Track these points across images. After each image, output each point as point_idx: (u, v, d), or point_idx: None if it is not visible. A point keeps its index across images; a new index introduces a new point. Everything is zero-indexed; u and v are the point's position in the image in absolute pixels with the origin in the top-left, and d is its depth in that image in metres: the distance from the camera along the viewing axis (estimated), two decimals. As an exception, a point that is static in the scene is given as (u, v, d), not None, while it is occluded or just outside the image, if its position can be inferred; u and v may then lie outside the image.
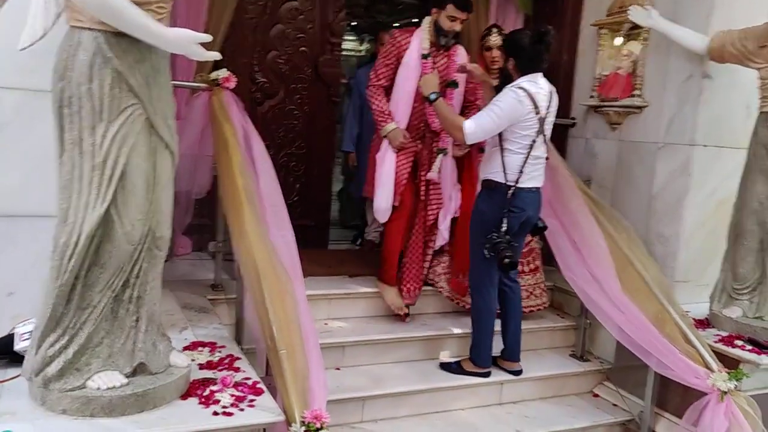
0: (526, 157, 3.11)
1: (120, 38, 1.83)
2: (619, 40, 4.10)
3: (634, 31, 3.97)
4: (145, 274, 2.03)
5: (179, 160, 2.15)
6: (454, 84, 3.60)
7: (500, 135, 3.10)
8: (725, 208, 3.59)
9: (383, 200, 3.54)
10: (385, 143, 3.56)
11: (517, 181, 3.12)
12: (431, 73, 3.47)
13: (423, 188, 3.67)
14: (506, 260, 3.02)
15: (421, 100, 3.47)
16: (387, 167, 3.55)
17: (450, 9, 3.43)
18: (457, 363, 3.47)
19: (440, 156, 3.64)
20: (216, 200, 3.38)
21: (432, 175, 3.63)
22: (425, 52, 3.50)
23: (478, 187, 3.35)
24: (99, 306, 1.93)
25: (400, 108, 3.54)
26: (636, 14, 3.76)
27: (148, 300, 2.06)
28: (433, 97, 3.21)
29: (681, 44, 3.59)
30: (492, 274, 3.30)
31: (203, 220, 4.03)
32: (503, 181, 3.13)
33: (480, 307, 3.35)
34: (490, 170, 3.19)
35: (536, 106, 3.05)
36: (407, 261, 3.68)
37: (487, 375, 3.42)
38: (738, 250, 3.43)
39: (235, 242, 2.70)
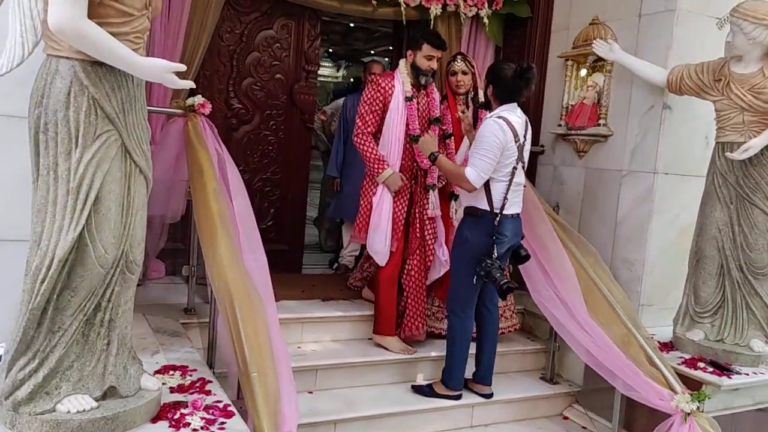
0: (509, 185, 3.21)
1: (96, 67, 1.88)
2: (584, 72, 4.26)
3: (598, 63, 4.13)
4: (118, 298, 2.05)
5: (153, 185, 2.18)
6: (438, 120, 3.72)
7: None
8: (687, 234, 3.71)
9: (382, 244, 3.56)
10: (380, 188, 3.59)
11: (502, 209, 3.20)
12: (416, 114, 3.60)
13: (419, 226, 3.71)
14: (505, 286, 3.10)
15: (409, 140, 3.57)
16: (385, 211, 3.57)
17: (426, 49, 3.54)
18: (429, 386, 3.51)
19: (432, 192, 3.71)
20: (189, 224, 3.41)
21: (434, 212, 3.69)
22: (408, 94, 3.59)
23: (459, 215, 3.44)
24: (70, 329, 1.94)
25: (392, 152, 3.59)
26: (599, 47, 3.91)
27: (119, 323, 2.07)
28: (434, 157, 3.31)
29: (642, 77, 3.74)
30: (473, 298, 3.37)
31: (177, 245, 4.05)
32: (488, 209, 3.20)
33: (457, 330, 3.39)
34: (475, 198, 3.25)
35: (516, 134, 3.17)
36: (412, 302, 3.69)
37: (458, 398, 3.46)
38: (699, 274, 3.55)
39: (209, 266, 2.73)
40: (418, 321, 3.69)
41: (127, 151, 1.98)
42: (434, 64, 3.60)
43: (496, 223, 3.18)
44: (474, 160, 3.16)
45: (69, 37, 1.79)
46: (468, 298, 3.35)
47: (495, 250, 3.16)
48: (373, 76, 3.76)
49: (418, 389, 3.51)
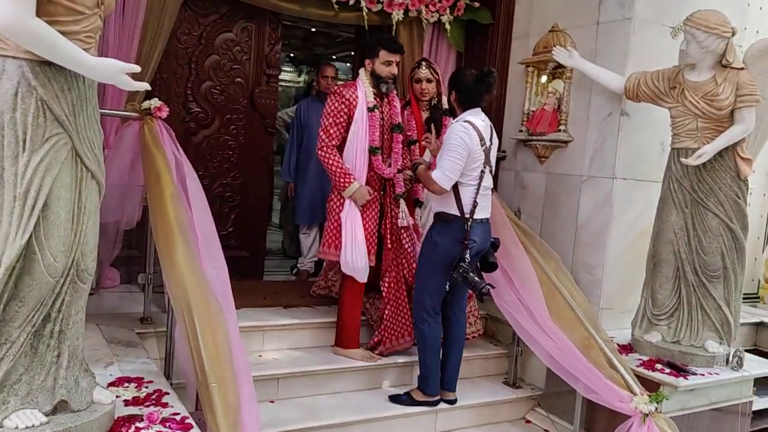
0: (477, 189, 3.21)
1: (45, 67, 1.80)
2: (544, 78, 4.31)
3: (558, 70, 4.19)
4: (68, 308, 1.96)
5: (108, 191, 2.11)
6: (399, 128, 3.68)
7: None
8: (644, 238, 3.78)
9: (359, 260, 3.48)
10: (347, 202, 3.52)
11: (472, 213, 3.20)
12: (378, 125, 3.56)
13: (391, 237, 3.65)
14: (486, 289, 3.11)
15: (371, 152, 3.54)
16: (357, 226, 3.51)
17: (383, 55, 3.52)
18: (407, 394, 3.47)
19: (401, 201, 3.66)
20: (145, 231, 3.32)
21: (404, 222, 3.64)
22: (371, 105, 3.54)
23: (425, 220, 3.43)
24: (18, 341, 1.85)
25: (357, 164, 3.52)
26: (559, 54, 3.97)
27: (70, 335, 1.99)
28: (416, 166, 3.40)
29: (600, 83, 3.81)
30: (439, 303, 3.36)
31: (132, 252, 3.94)
32: (459, 214, 3.20)
33: (428, 336, 3.36)
34: (445, 203, 3.25)
35: (482, 138, 3.18)
36: (390, 315, 3.63)
37: (437, 403, 3.44)
38: (656, 278, 3.62)
39: (166, 273, 2.65)
40: (401, 331, 3.65)
41: (77, 155, 1.90)
42: (394, 69, 3.57)
43: (467, 228, 3.18)
44: (441, 162, 3.17)
45: (17, 36, 1.71)
46: (435, 304, 3.35)
47: (468, 255, 3.16)
48: (335, 88, 3.70)
49: (395, 399, 3.47)
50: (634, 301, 3.84)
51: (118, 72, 1.88)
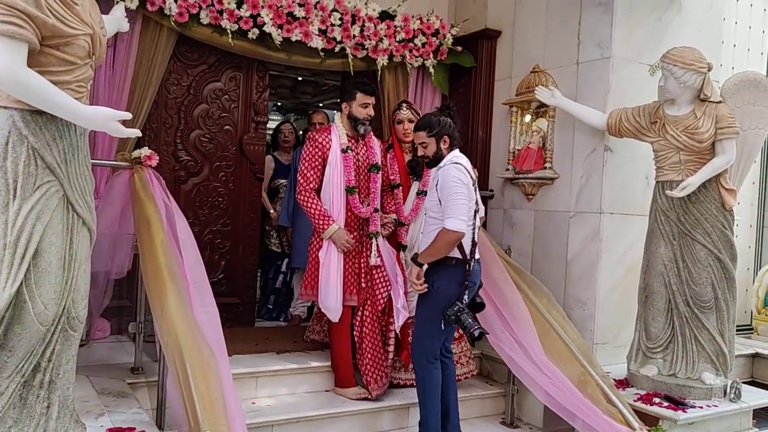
0: (474, 230, 3.16)
1: (36, 116, 1.82)
2: (528, 118, 4.39)
3: (541, 109, 4.28)
4: (59, 357, 1.94)
5: (98, 240, 2.11)
6: (377, 167, 3.72)
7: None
8: (634, 271, 3.81)
9: (335, 300, 3.51)
10: (326, 242, 3.55)
11: (472, 254, 3.13)
12: (352, 165, 3.59)
13: (364, 276, 3.65)
14: (477, 332, 3.01)
15: (347, 192, 3.57)
16: (333, 266, 3.53)
17: (360, 97, 3.61)
18: None
19: (374, 240, 3.67)
20: (136, 280, 3.30)
21: (374, 261, 3.64)
22: (344, 146, 3.61)
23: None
24: (6, 393, 1.82)
25: (334, 204, 3.58)
26: (541, 94, 4.06)
27: (60, 384, 1.96)
28: (415, 257, 3.23)
29: (583, 121, 3.89)
30: (438, 347, 3.27)
31: (122, 302, 3.91)
32: (461, 257, 3.11)
33: (427, 381, 3.24)
34: None
35: (472, 178, 3.18)
36: (365, 351, 3.60)
37: None
38: (648, 310, 3.63)
39: (157, 321, 2.63)
40: (375, 373, 3.60)
41: (69, 203, 1.91)
42: (371, 111, 3.65)
43: (468, 269, 3.11)
44: (450, 209, 3.04)
45: (7, 87, 1.74)
46: (435, 348, 3.25)
47: (467, 296, 3.11)
48: (309, 133, 3.77)
49: None
50: (627, 335, 3.83)
51: (110, 119, 1.91)
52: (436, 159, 3.24)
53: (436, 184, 3.14)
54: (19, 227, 1.78)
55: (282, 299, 5.05)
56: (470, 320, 3.05)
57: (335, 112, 9.16)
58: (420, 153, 3.31)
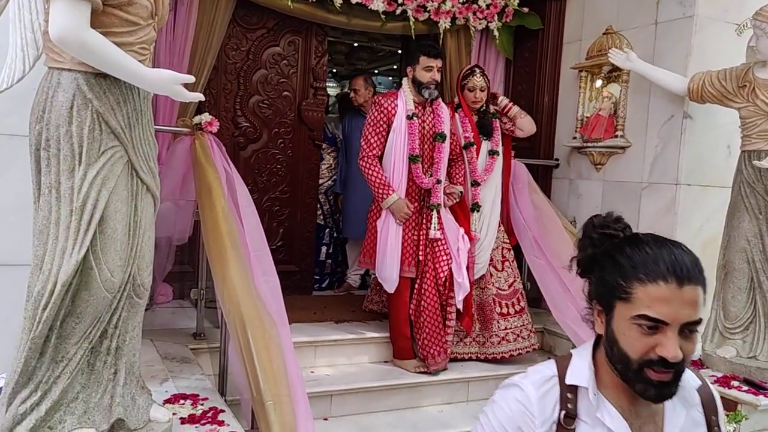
0: None
1: (100, 79, 1.78)
2: (599, 83, 4.16)
3: (613, 74, 4.04)
4: (125, 324, 1.93)
5: (160, 206, 2.08)
6: (442, 136, 3.56)
7: None
8: (712, 246, 3.58)
9: (391, 270, 3.44)
10: (384, 212, 3.48)
11: None
12: (417, 132, 3.46)
13: (425, 248, 3.53)
14: None
15: (411, 160, 3.45)
16: (392, 236, 3.45)
17: (423, 60, 3.45)
18: None
19: (434, 212, 3.54)
20: (197, 246, 3.30)
21: (434, 233, 3.51)
22: (410, 113, 3.48)
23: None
24: (75, 359, 1.82)
25: (395, 173, 3.46)
26: (615, 57, 3.81)
27: (127, 351, 1.95)
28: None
29: (661, 85, 3.64)
30: None
31: (184, 267, 3.94)
32: None
33: None
34: None
35: None
36: (425, 325, 3.51)
37: None
38: (728, 288, 3.41)
39: (219, 289, 2.61)
40: (433, 348, 3.51)
41: (133, 169, 1.87)
42: (435, 75, 3.48)
43: None
44: None
45: (71, 48, 1.69)
46: None
47: None
48: (375, 97, 3.66)
49: None
50: (702, 313, 3.62)
51: (173, 82, 1.85)
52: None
53: None
54: (84, 193, 1.75)
55: (328, 271, 4.96)
56: None
57: (389, 78, 9.02)
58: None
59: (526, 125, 3.94)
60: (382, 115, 3.49)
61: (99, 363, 1.90)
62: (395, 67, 8.26)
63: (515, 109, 3.92)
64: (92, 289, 1.79)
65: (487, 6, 4.36)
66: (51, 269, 1.75)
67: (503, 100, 3.94)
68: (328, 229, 4.90)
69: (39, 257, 1.79)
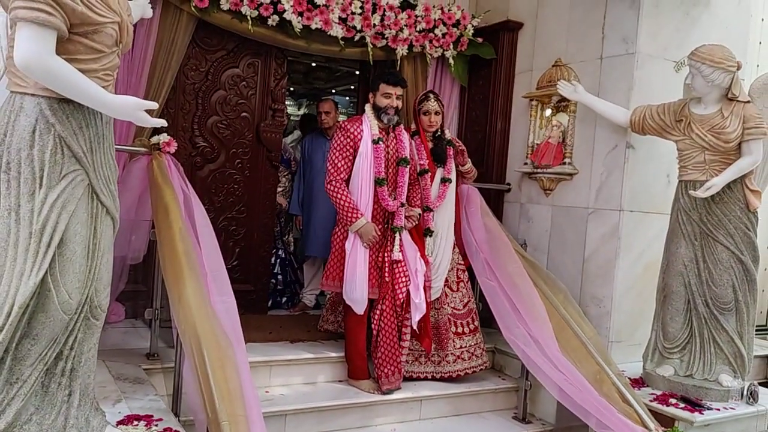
0: None
1: (63, 104, 1.81)
2: (548, 112, 4.34)
3: (562, 104, 4.22)
4: (80, 346, 1.94)
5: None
6: (406, 161, 3.68)
7: None
8: (652, 270, 3.77)
9: (362, 292, 3.50)
10: (352, 235, 3.55)
11: None
12: (383, 156, 3.57)
13: (387, 269, 3.61)
14: None
15: (377, 183, 3.55)
16: (360, 259, 3.52)
17: (383, 87, 3.59)
18: None
19: (397, 234, 3.63)
20: (152, 266, 3.29)
21: (396, 255, 3.60)
22: (376, 137, 3.58)
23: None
24: (29, 380, 1.82)
25: (362, 196, 3.55)
26: (563, 88, 4.00)
27: (82, 372, 1.96)
28: None
29: (605, 117, 3.83)
30: None
31: (137, 286, 3.91)
32: None
33: None
34: None
35: None
36: (381, 344, 3.59)
37: None
38: (667, 310, 3.59)
39: (174, 308, 2.62)
40: (387, 368, 3.59)
41: (94, 192, 1.90)
42: (394, 102, 3.60)
43: None
44: None
45: (36, 75, 1.72)
46: None
47: None
48: (341, 122, 3.75)
49: None
50: (643, 333, 3.81)
51: (137, 109, 1.89)
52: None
53: None
54: (44, 216, 1.77)
55: (281, 287, 5.00)
56: None
57: (346, 98, 9.12)
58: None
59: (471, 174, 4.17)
60: (348, 140, 3.57)
61: (53, 385, 1.91)
62: (352, 87, 8.38)
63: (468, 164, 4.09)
64: (49, 311, 1.81)
65: (443, 35, 4.50)
66: (8, 291, 1.76)
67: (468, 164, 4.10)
68: (275, 250, 4.92)
69: (-5, 279, 1.79)
